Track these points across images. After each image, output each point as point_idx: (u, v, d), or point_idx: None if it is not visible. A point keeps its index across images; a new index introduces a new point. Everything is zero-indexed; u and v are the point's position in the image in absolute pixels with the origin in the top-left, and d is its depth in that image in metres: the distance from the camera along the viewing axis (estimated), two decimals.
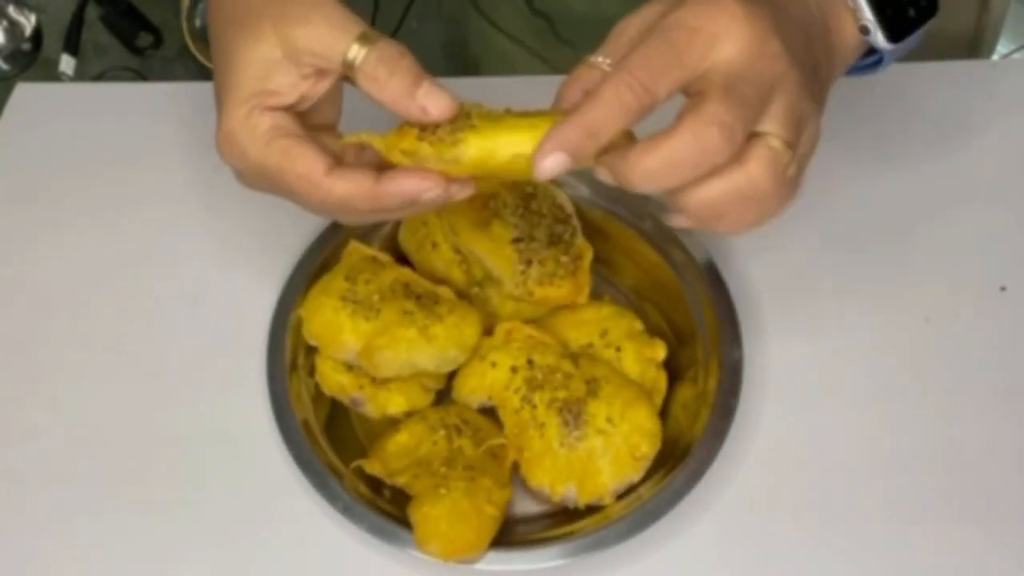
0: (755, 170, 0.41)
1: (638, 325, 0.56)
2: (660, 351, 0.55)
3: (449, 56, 0.91)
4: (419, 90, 0.43)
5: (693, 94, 0.41)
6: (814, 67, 0.44)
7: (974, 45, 0.78)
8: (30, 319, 0.62)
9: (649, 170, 0.40)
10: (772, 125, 0.41)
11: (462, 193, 0.44)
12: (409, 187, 0.43)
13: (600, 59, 0.44)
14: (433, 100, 0.43)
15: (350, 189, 0.43)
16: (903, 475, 0.54)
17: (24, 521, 0.54)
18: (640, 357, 0.55)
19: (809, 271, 0.61)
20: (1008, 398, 0.56)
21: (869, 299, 0.60)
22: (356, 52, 0.43)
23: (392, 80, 0.43)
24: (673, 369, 0.56)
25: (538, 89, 0.55)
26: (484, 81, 0.74)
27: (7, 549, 0.54)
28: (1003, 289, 0.60)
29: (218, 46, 0.46)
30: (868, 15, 0.46)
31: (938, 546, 0.52)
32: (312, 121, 0.47)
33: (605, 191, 0.59)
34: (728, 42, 0.40)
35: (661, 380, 0.55)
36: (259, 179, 0.46)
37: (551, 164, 0.40)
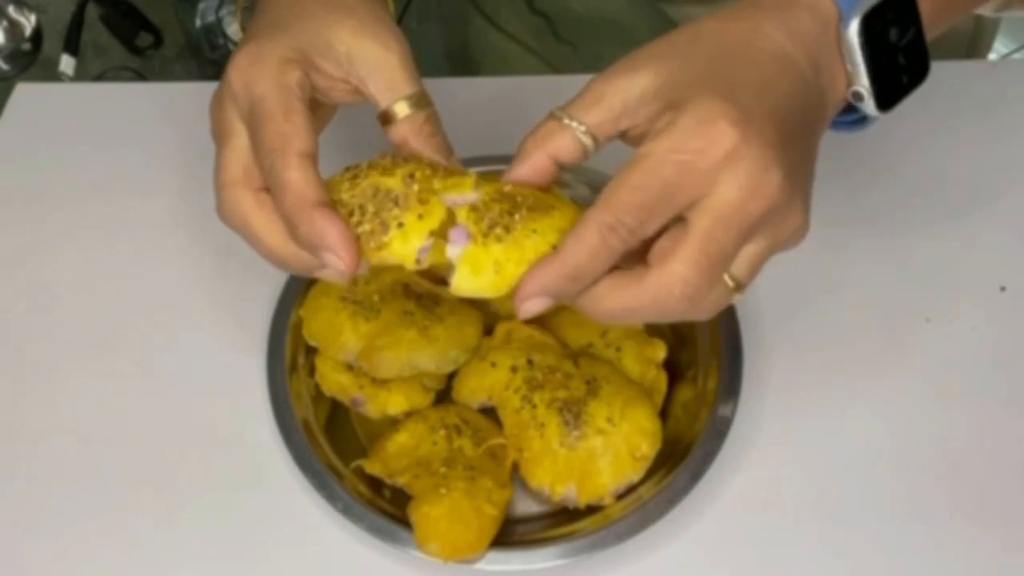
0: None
1: (638, 325, 0.56)
2: (660, 351, 0.55)
3: (449, 56, 0.91)
4: (452, 158, 0.45)
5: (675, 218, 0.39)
6: (809, 161, 0.41)
7: (973, 45, 0.78)
8: (30, 319, 0.62)
9: (608, 312, 0.40)
10: (737, 268, 0.40)
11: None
12: (333, 234, 0.40)
13: (573, 123, 0.41)
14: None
15: (303, 182, 0.41)
16: (903, 475, 0.54)
17: (23, 521, 0.54)
18: (640, 357, 0.55)
19: (809, 271, 0.61)
20: (1008, 398, 0.56)
21: (869, 299, 0.60)
22: (401, 108, 0.44)
23: (432, 138, 0.45)
24: (673, 369, 0.56)
25: (538, 89, 0.56)
26: (484, 81, 0.74)
27: (6, 549, 0.54)
28: (1003, 289, 0.60)
29: (286, 4, 0.46)
30: (864, 82, 0.42)
31: (938, 546, 0.52)
32: None
33: None
34: (724, 182, 0.38)
35: (661, 380, 0.55)
36: (237, 116, 0.44)
37: (532, 307, 0.40)
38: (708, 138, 0.37)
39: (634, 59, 0.41)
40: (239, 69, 0.43)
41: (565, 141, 0.41)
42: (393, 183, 0.42)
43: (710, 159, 0.37)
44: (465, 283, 0.40)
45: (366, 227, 0.41)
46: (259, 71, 0.43)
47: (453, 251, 0.40)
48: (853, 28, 0.41)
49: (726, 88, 0.39)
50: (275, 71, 0.43)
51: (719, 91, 0.38)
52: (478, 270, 0.40)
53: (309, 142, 0.42)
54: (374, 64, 0.44)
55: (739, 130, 0.37)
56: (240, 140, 0.43)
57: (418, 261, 0.41)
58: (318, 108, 0.47)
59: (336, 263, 0.40)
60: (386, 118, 0.45)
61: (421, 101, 0.45)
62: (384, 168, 0.42)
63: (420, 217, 0.41)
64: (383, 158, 0.43)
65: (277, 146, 0.41)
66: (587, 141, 0.41)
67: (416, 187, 0.41)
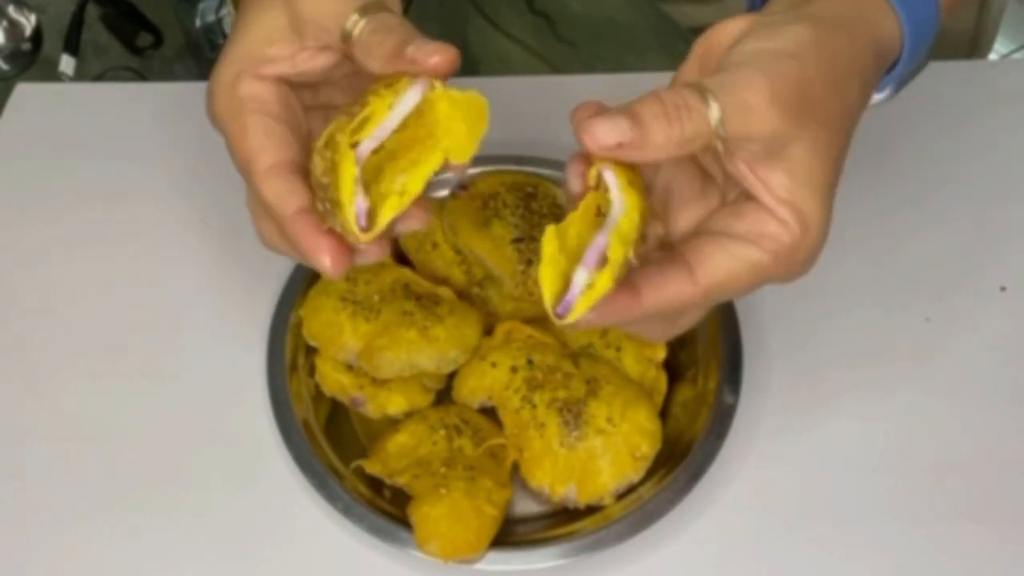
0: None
1: None
2: (660, 351, 0.55)
3: None
4: (408, 47, 0.39)
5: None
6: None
7: (973, 45, 0.78)
8: (30, 319, 0.62)
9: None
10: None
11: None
12: (311, 245, 0.39)
13: (719, 144, 0.38)
14: (423, 51, 0.39)
15: (275, 199, 0.40)
16: (903, 475, 0.54)
17: (23, 521, 0.54)
18: (640, 357, 0.55)
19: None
20: (1008, 398, 0.56)
21: (869, 299, 0.60)
22: (354, 23, 0.41)
23: (383, 45, 0.40)
24: (673, 369, 0.56)
25: (538, 89, 0.56)
26: (484, 81, 0.74)
27: (6, 549, 0.54)
28: (1003, 289, 0.60)
29: (238, 12, 0.45)
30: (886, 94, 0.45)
31: (938, 546, 0.52)
32: (321, 99, 0.46)
33: None
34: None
35: (661, 380, 0.55)
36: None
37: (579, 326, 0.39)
38: (804, 265, 0.43)
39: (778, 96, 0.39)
40: (207, 106, 0.44)
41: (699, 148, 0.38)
42: (317, 158, 0.39)
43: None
44: (574, 318, 0.37)
45: (328, 216, 0.39)
46: (214, 102, 0.43)
47: (581, 277, 0.37)
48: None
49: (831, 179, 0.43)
50: (225, 96, 0.43)
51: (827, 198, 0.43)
52: (585, 307, 0.37)
53: (270, 154, 0.41)
54: (314, 15, 0.42)
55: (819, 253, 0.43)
56: None
57: (365, 230, 0.37)
58: (321, 86, 0.46)
59: (323, 269, 0.40)
60: (347, 53, 0.42)
61: (368, 9, 0.41)
62: (322, 134, 0.40)
63: (337, 188, 0.37)
64: (348, 105, 0.40)
65: (244, 168, 0.42)
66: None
67: (330, 154, 0.38)
